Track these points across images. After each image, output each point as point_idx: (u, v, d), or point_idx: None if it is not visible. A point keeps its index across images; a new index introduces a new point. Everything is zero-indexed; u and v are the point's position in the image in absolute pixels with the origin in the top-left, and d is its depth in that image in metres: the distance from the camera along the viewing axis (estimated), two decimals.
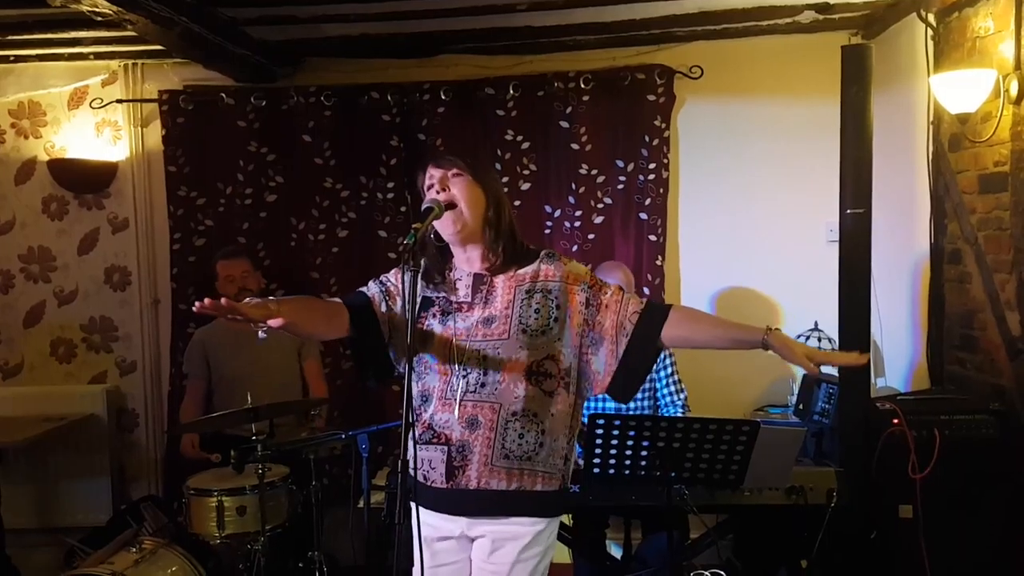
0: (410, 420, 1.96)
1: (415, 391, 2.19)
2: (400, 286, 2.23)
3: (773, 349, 2.07)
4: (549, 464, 2.17)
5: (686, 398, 3.67)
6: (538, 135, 4.35)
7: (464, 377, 2.14)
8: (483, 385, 2.13)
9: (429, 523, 2.17)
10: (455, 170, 2.16)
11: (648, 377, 3.64)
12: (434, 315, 2.19)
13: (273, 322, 1.91)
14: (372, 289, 2.26)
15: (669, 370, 3.68)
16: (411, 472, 2.03)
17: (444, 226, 2.16)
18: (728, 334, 2.23)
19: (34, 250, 4.68)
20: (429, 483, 2.17)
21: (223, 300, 1.84)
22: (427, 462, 2.17)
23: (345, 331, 2.19)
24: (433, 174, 2.18)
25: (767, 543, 3.47)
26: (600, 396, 3.60)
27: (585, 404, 3.62)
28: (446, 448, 2.14)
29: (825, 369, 3.71)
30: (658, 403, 3.69)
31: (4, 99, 4.64)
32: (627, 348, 2.16)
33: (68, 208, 4.67)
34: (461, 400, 2.13)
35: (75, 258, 4.68)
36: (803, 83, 4.22)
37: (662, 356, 3.65)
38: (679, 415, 3.60)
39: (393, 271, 2.29)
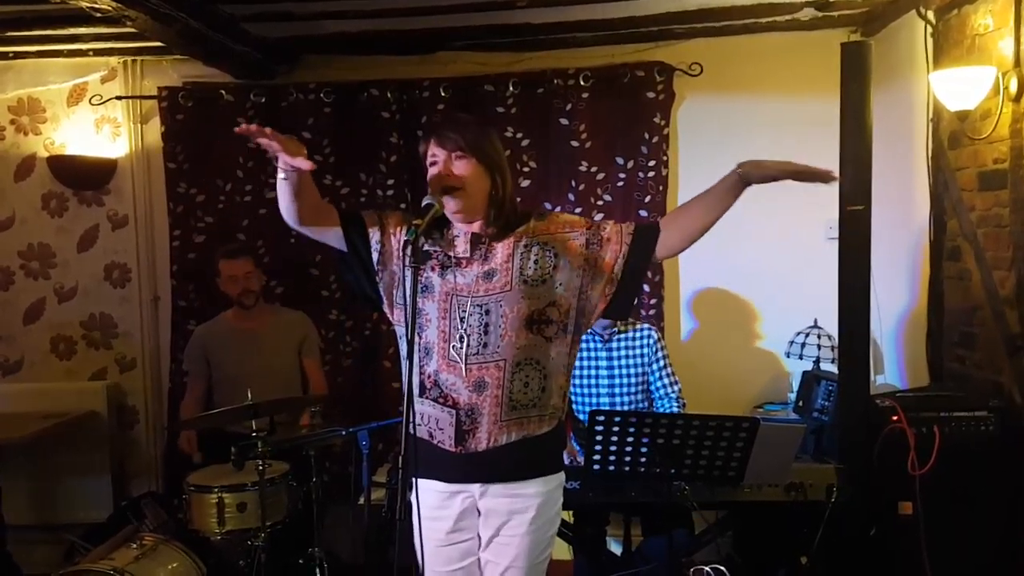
0: (410, 416, 1.97)
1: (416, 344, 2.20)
2: (397, 233, 2.22)
3: (753, 180, 2.14)
4: (551, 405, 2.21)
5: (680, 390, 3.69)
6: (538, 132, 4.34)
7: (465, 339, 2.15)
8: (485, 345, 2.15)
9: (437, 505, 2.20)
10: (458, 152, 2.16)
11: (641, 371, 3.67)
12: (432, 268, 2.20)
13: (302, 162, 1.97)
14: (369, 213, 2.26)
15: (662, 363, 3.69)
16: (414, 431, 2.04)
17: (447, 206, 2.16)
18: (712, 201, 2.19)
19: (34, 247, 4.68)
20: (436, 442, 2.18)
21: (268, 130, 1.94)
22: (434, 420, 2.18)
23: (338, 240, 2.20)
24: (436, 153, 2.18)
25: (767, 540, 3.47)
26: (592, 393, 3.65)
27: (581, 401, 3.67)
28: (454, 412, 2.15)
29: (824, 366, 3.77)
30: (651, 396, 3.71)
31: (3, 95, 4.64)
32: (624, 269, 2.20)
33: (68, 205, 4.67)
34: (467, 365, 2.15)
35: (75, 255, 4.68)
36: (802, 80, 4.21)
37: (653, 349, 3.68)
38: (675, 410, 3.61)
39: (396, 214, 2.28)
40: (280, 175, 2.04)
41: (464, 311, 2.15)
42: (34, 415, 4.32)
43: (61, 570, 3.25)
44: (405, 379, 2.00)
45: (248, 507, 3.27)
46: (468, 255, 2.20)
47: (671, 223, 2.25)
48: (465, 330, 2.15)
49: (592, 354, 3.69)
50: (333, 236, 2.21)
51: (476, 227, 2.22)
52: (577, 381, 3.66)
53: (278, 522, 3.34)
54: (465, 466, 2.18)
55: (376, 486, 3.27)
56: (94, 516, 4.32)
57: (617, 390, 3.66)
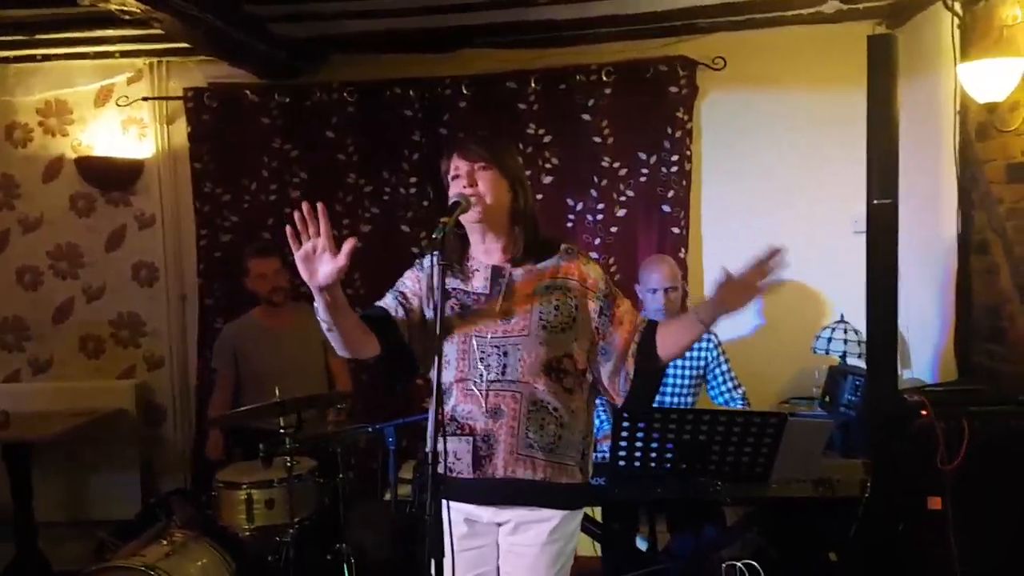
0: (439, 413, 1.98)
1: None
2: (416, 286, 2.24)
3: (713, 318, 2.18)
4: (568, 457, 2.19)
5: (744, 392, 3.68)
6: (560, 128, 4.35)
7: (484, 369, 2.14)
8: (503, 375, 2.14)
9: (456, 507, 2.16)
10: (481, 163, 2.16)
11: (696, 373, 3.66)
12: (452, 308, 2.18)
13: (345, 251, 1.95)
14: (388, 301, 2.24)
15: (724, 367, 3.68)
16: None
17: (467, 213, 2.15)
18: (683, 328, 2.24)
19: (62, 247, 4.74)
20: (455, 474, 2.17)
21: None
22: (452, 453, 2.17)
23: (376, 349, 2.14)
24: (459, 166, 2.17)
25: (794, 536, 3.45)
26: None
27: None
28: (471, 439, 2.15)
29: (851, 361, 3.75)
30: (712, 402, 3.69)
31: (31, 97, 4.70)
32: (636, 368, 2.20)
33: (95, 205, 4.73)
34: (486, 392, 2.14)
35: (103, 255, 4.74)
36: (827, 73, 4.19)
37: (715, 354, 3.67)
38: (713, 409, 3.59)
39: (408, 274, 2.29)
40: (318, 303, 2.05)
41: (483, 352, 2.15)
42: (63, 413, 4.37)
43: (92, 566, 3.29)
44: (434, 380, 1.99)
45: (276, 503, 3.30)
46: (488, 292, 2.19)
47: (660, 332, 2.23)
48: (484, 362, 2.15)
49: None
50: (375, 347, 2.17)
51: (497, 256, 2.22)
52: None
53: (306, 518, 3.36)
54: (483, 490, 2.17)
55: (402, 483, 3.28)
56: (123, 513, 4.33)
57: (669, 389, 3.63)
